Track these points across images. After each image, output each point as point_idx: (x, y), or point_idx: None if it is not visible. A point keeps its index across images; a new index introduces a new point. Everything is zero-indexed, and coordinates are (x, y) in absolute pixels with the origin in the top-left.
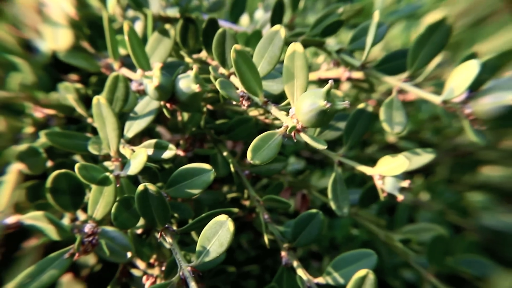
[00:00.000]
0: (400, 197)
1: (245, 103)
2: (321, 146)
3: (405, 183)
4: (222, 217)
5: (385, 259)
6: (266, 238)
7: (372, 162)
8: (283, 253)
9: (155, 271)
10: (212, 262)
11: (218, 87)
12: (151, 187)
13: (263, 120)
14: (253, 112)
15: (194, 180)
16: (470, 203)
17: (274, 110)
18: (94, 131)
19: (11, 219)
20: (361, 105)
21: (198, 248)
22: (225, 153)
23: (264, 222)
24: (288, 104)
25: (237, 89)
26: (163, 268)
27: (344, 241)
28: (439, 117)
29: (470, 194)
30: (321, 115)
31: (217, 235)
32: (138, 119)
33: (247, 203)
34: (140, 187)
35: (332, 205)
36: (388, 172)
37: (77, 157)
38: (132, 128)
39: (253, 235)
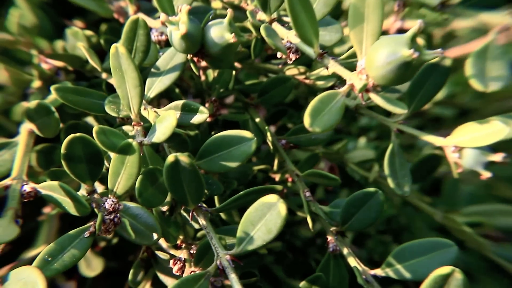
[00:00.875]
0: (487, 174)
1: (293, 56)
2: (400, 110)
3: (497, 157)
4: (272, 198)
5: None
6: (309, 220)
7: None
8: (329, 238)
9: (183, 253)
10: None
11: (263, 34)
12: (183, 158)
13: (303, 81)
14: (291, 71)
15: (232, 151)
16: None
17: (333, 65)
18: (110, 90)
19: (28, 187)
20: (434, 58)
21: (239, 233)
22: (257, 119)
23: (306, 200)
24: (352, 56)
25: (282, 39)
26: (192, 251)
27: None
28: None
29: None
30: (402, 69)
31: (264, 219)
32: (160, 75)
33: (276, 176)
34: (170, 158)
35: (390, 183)
36: (470, 143)
37: (89, 119)
38: (155, 87)
39: None
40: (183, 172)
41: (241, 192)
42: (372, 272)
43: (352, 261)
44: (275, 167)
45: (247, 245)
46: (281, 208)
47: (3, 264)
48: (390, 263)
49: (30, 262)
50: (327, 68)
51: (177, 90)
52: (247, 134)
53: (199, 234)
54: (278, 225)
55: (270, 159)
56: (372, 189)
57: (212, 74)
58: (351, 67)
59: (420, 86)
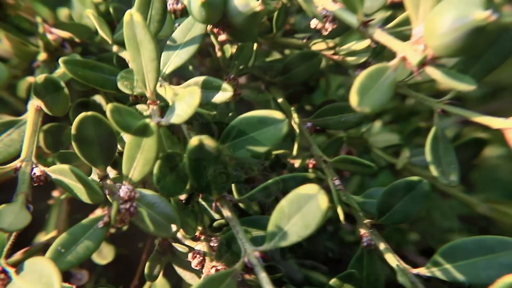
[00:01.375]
0: None
1: (329, 26)
2: (466, 86)
3: None
4: (311, 189)
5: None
6: (340, 212)
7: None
8: (363, 231)
9: (202, 246)
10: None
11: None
12: (208, 141)
13: (330, 57)
14: (319, 45)
15: (261, 133)
16: None
17: (380, 34)
18: (121, 65)
19: (38, 171)
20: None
21: (271, 227)
22: (280, 100)
23: (336, 189)
24: (402, 24)
25: (316, 7)
26: (212, 244)
27: None
28: None
29: None
30: (474, 36)
31: (300, 212)
32: (177, 49)
33: (295, 162)
34: (194, 141)
35: (434, 171)
36: None
37: (96, 98)
38: (171, 61)
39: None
40: (207, 158)
41: (270, 180)
42: (415, 271)
43: (391, 258)
44: (294, 152)
45: (280, 241)
46: (322, 201)
47: (14, 246)
48: (438, 262)
49: (43, 247)
50: (371, 39)
51: (190, 67)
52: (277, 114)
53: (215, 223)
54: (317, 219)
55: (286, 144)
56: (415, 177)
57: (229, 49)
58: (401, 37)
59: (477, 56)
